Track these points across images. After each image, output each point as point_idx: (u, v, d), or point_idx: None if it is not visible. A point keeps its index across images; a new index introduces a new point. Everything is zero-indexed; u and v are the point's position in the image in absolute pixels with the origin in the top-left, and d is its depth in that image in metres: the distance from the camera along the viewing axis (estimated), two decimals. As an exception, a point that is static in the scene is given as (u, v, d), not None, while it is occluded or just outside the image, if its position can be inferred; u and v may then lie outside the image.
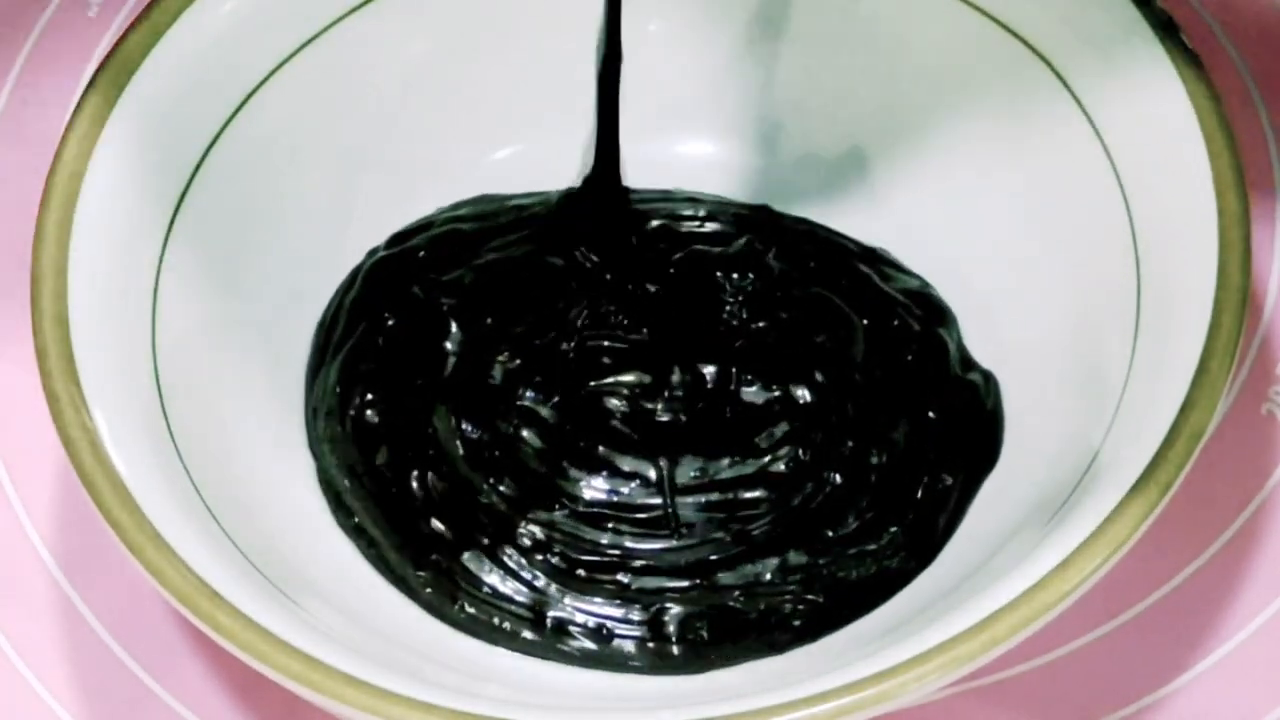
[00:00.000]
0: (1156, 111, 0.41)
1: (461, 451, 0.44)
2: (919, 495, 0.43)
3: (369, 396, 0.45)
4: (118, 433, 0.39)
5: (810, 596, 0.42)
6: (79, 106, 0.42)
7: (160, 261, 0.42)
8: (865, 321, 0.45)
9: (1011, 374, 0.44)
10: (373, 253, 0.46)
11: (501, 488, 0.44)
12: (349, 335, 0.45)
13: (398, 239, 0.47)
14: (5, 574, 0.44)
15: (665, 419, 0.44)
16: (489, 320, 0.45)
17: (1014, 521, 0.41)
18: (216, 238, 0.43)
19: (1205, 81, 0.41)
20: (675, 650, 0.42)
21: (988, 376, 0.44)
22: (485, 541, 0.43)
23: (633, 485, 0.44)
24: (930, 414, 0.44)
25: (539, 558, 0.43)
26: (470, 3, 0.46)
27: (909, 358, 0.45)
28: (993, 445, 0.43)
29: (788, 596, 0.42)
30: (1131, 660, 0.42)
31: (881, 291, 0.45)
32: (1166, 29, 0.42)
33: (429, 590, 0.43)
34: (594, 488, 0.44)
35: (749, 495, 0.43)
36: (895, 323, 0.45)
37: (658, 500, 0.43)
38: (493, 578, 0.43)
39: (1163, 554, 0.43)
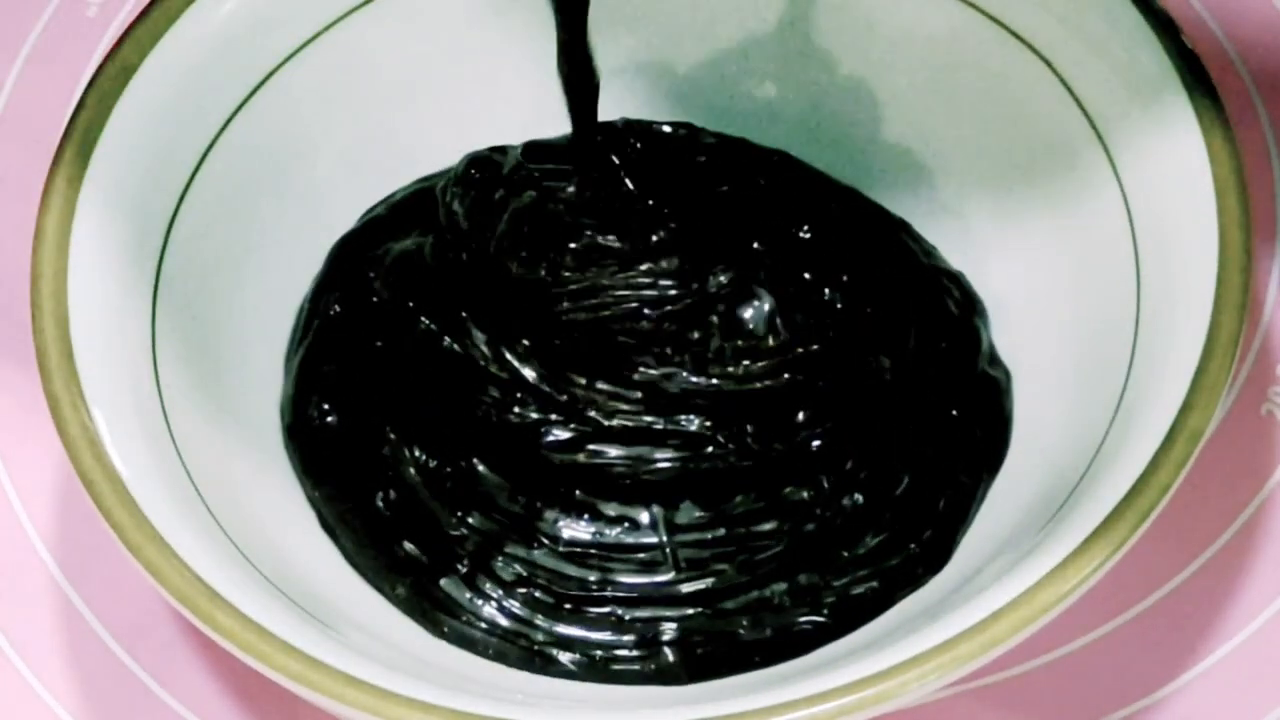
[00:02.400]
0: (1157, 113, 0.41)
1: (419, 479, 0.42)
2: (940, 508, 0.42)
3: (325, 406, 0.43)
4: (118, 433, 0.39)
5: (819, 619, 0.41)
6: (79, 106, 0.42)
7: (160, 261, 0.42)
8: (911, 301, 0.43)
9: (1012, 374, 0.44)
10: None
11: (471, 520, 0.42)
12: (305, 334, 0.44)
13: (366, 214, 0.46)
14: (5, 574, 0.44)
15: (663, 472, 0.42)
16: (451, 312, 0.43)
17: (1014, 522, 0.41)
18: (216, 238, 0.43)
19: (1206, 83, 0.41)
20: (676, 669, 0.41)
21: (1008, 374, 0.44)
22: (462, 569, 0.42)
23: (621, 529, 0.42)
24: (954, 412, 0.43)
25: (521, 591, 0.41)
26: (470, 2, 0.46)
27: (943, 345, 0.43)
28: (1002, 447, 0.43)
29: (798, 620, 0.41)
30: (1131, 660, 0.42)
31: (926, 267, 0.44)
32: (1166, 29, 0.42)
33: (409, 607, 0.41)
34: (576, 529, 0.42)
35: (761, 528, 0.42)
36: (937, 303, 0.43)
37: (653, 539, 0.42)
38: (475, 603, 0.41)
39: (1163, 554, 0.43)
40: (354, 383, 0.43)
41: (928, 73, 0.45)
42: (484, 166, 0.44)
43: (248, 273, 0.44)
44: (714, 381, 0.42)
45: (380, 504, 0.42)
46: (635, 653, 0.41)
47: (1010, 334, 0.44)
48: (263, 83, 0.44)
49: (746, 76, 0.47)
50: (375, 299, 0.44)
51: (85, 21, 0.51)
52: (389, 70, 0.46)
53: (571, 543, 0.42)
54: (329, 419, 0.43)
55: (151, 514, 0.38)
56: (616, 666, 0.41)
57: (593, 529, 0.42)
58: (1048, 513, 0.39)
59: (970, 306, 0.44)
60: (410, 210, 0.46)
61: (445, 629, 0.41)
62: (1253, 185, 0.41)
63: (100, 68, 0.42)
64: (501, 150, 0.45)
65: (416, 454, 0.43)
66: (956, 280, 0.45)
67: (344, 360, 0.44)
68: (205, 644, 0.43)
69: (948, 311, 0.44)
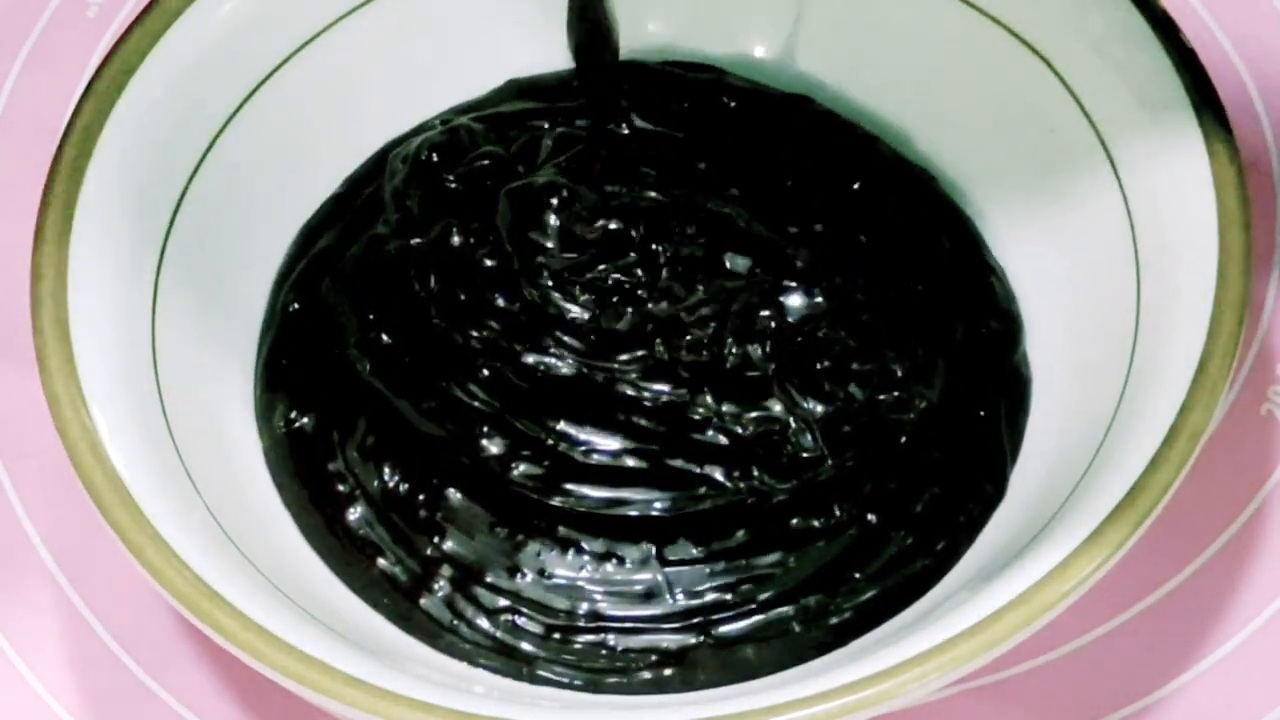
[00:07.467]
0: (1157, 114, 0.41)
1: (385, 501, 0.41)
2: (961, 520, 0.41)
3: (292, 413, 0.42)
4: (118, 433, 0.39)
5: (826, 640, 0.40)
6: (78, 106, 0.42)
7: (160, 261, 0.42)
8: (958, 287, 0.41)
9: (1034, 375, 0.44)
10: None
11: (445, 547, 0.41)
12: (268, 329, 0.43)
13: None
14: (5, 574, 0.44)
15: (652, 511, 0.40)
16: (411, 327, 0.41)
17: (1014, 522, 0.41)
18: (216, 239, 0.43)
19: (1205, 84, 0.41)
20: (675, 685, 0.40)
21: (1030, 373, 0.43)
22: (440, 591, 0.41)
23: (610, 564, 0.41)
24: (981, 413, 0.42)
25: (505, 619, 0.40)
26: (469, 2, 0.46)
27: (984, 331, 0.42)
28: (1015, 448, 0.42)
29: (806, 642, 0.40)
30: (1131, 660, 0.42)
31: (972, 237, 0.43)
32: (1163, 27, 0.42)
33: (395, 619, 0.41)
34: (560, 564, 0.41)
35: (764, 559, 0.41)
36: (983, 283, 0.42)
37: (645, 575, 0.40)
38: (457, 624, 0.41)
39: (1163, 554, 0.43)
40: (316, 388, 0.43)
41: (927, 71, 0.45)
42: (440, 150, 0.43)
43: (246, 274, 0.44)
44: (710, 434, 0.41)
45: (351, 519, 0.42)
46: (629, 679, 0.40)
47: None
48: (262, 83, 0.44)
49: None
50: (333, 305, 0.43)
51: (85, 21, 0.51)
52: (388, 71, 0.46)
53: (556, 575, 0.41)
54: (295, 425, 0.42)
55: (151, 514, 0.38)
56: (611, 689, 0.40)
57: (579, 563, 0.41)
58: (1048, 512, 0.39)
59: (1010, 291, 0.43)
60: (368, 181, 0.45)
61: (431, 642, 0.41)
62: (1252, 186, 0.41)
63: (100, 68, 0.42)
64: (454, 129, 0.43)
65: (385, 474, 0.42)
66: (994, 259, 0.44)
67: (305, 362, 0.43)
68: (205, 644, 0.43)
69: (993, 292, 0.43)
